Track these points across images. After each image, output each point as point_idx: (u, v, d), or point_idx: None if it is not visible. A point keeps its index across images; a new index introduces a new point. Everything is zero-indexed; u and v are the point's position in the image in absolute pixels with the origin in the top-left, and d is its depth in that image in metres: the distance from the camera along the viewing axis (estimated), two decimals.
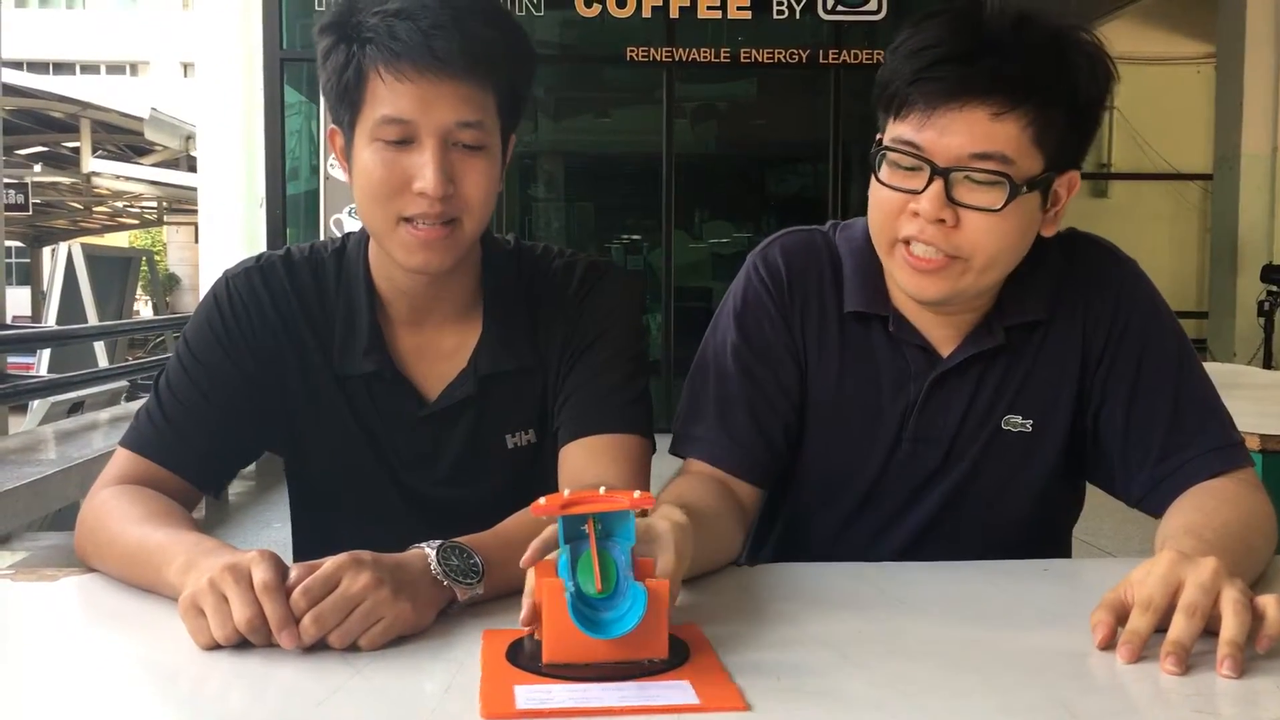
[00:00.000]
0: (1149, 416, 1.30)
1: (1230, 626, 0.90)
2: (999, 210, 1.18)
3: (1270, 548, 1.19)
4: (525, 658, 0.90)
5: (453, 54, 1.17)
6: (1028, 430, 1.33)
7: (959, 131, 1.17)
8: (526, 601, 0.92)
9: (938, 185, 1.18)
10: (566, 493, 0.89)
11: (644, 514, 0.99)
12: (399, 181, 1.20)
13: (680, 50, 8.15)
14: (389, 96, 1.19)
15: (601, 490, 0.91)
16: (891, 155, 1.22)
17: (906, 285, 1.26)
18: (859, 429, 1.36)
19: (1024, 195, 1.19)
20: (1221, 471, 1.26)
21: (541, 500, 0.89)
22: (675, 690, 0.85)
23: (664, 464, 1.37)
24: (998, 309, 1.32)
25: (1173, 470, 1.27)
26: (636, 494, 0.90)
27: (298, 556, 1.44)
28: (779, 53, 8.16)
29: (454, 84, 1.19)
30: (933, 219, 1.19)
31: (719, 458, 1.33)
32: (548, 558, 0.93)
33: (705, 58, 8.18)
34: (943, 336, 1.33)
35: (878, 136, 1.26)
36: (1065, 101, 1.19)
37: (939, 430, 1.34)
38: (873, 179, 1.25)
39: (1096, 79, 1.22)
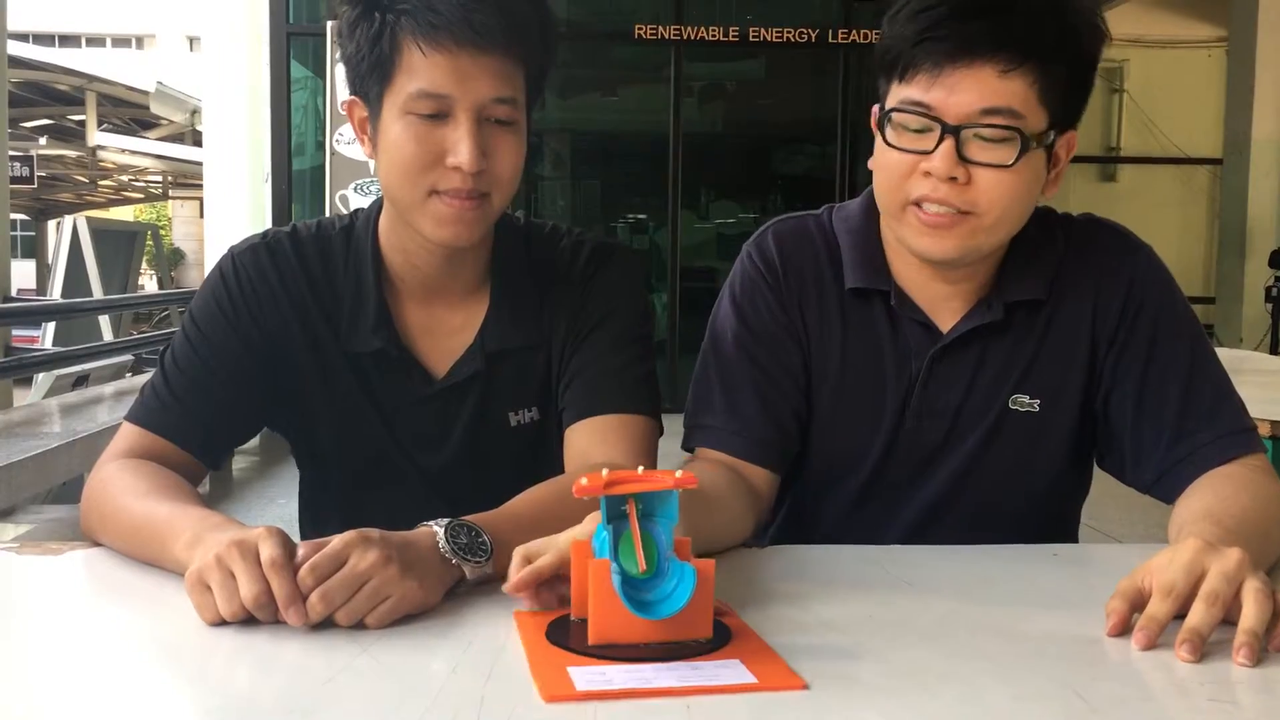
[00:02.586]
0: (1161, 400, 1.29)
1: (1250, 615, 0.89)
2: (1011, 166, 1.18)
3: None
4: (568, 639, 0.89)
5: (492, 28, 1.17)
6: (1035, 410, 1.33)
7: (968, 89, 1.17)
8: (520, 573, 0.93)
9: (949, 143, 1.18)
10: (605, 472, 0.88)
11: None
12: (432, 155, 1.20)
13: (688, 28, 8.12)
14: (425, 69, 1.18)
15: (640, 470, 0.89)
16: (899, 117, 1.22)
17: (917, 245, 1.25)
18: (864, 406, 1.35)
19: (1033, 151, 1.19)
20: (1235, 457, 1.25)
21: (583, 480, 0.88)
22: (730, 670, 0.84)
23: (671, 445, 1.36)
24: (998, 287, 1.32)
25: (1185, 455, 1.26)
26: (679, 473, 0.89)
27: (304, 535, 1.43)
28: (788, 31, 8.13)
29: (491, 59, 1.18)
30: (945, 177, 1.19)
31: (727, 443, 1.33)
32: (581, 537, 0.92)
33: (714, 36, 8.14)
34: (943, 311, 1.33)
35: (879, 103, 1.26)
36: (1068, 59, 1.20)
37: (942, 405, 1.34)
38: (879, 143, 1.25)
39: (1095, 37, 1.23)
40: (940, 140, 1.18)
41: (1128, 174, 11.06)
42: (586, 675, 0.83)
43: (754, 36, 8.19)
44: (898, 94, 1.22)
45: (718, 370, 1.37)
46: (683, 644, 0.88)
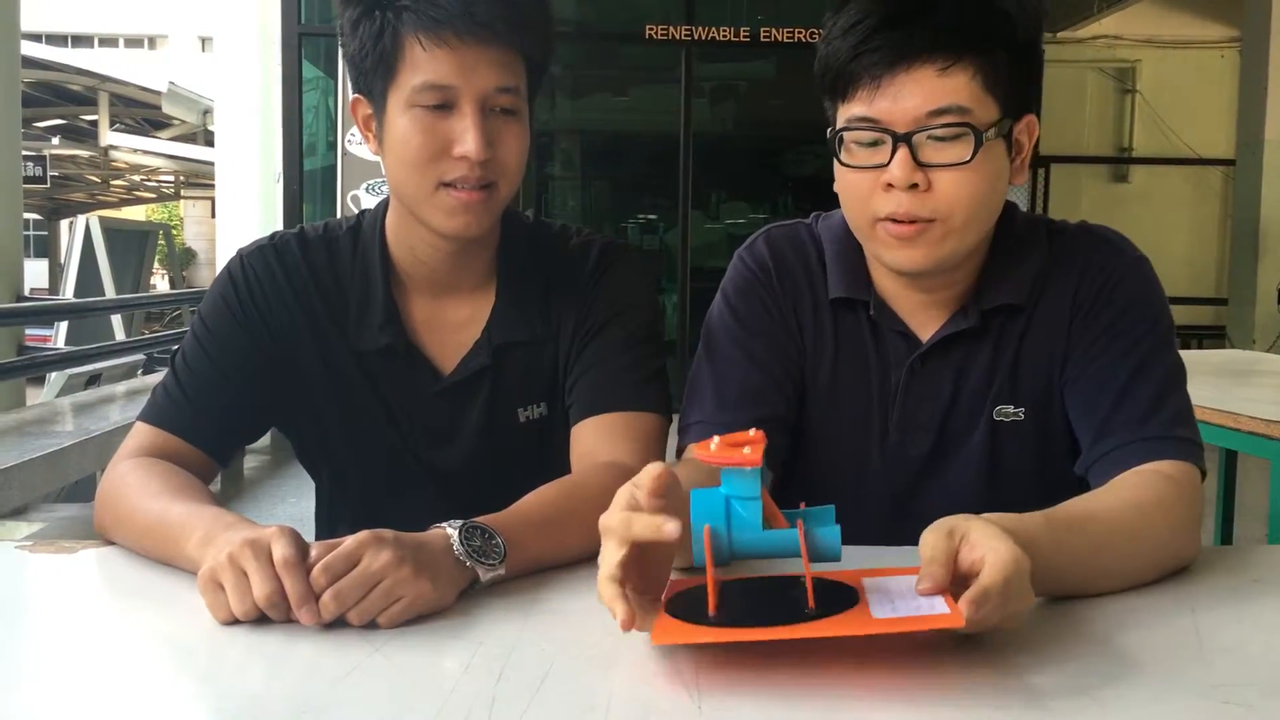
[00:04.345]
0: (1099, 391, 1.25)
1: (978, 599, 0.85)
2: (969, 162, 1.17)
3: (1159, 547, 1.10)
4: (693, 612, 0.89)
5: (493, 20, 1.18)
6: (1021, 419, 1.31)
7: (912, 94, 1.17)
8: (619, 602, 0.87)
9: (903, 151, 1.17)
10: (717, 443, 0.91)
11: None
12: (438, 147, 1.21)
13: (699, 29, 8.10)
14: (428, 63, 1.19)
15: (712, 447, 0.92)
16: (850, 135, 1.21)
17: (890, 259, 1.24)
18: (854, 418, 1.34)
19: (990, 143, 1.18)
20: (1152, 460, 1.19)
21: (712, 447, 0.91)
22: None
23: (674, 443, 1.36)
24: (976, 294, 1.30)
25: (1104, 453, 1.22)
26: (746, 450, 0.91)
27: (320, 539, 1.44)
28: (799, 32, 8.10)
29: (493, 49, 1.20)
30: (905, 185, 1.18)
31: (711, 434, 1.31)
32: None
33: (725, 36, 8.12)
34: (923, 321, 1.32)
35: (831, 126, 1.25)
36: (1005, 44, 1.19)
37: (925, 418, 1.32)
38: (836, 166, 1.24)
39: (1029, 17, 1.21)
40: (894, 150, 1.17)
41: (1140, 175, 11.03)
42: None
43: (765, 37, 8.17)
44: (844, 113, 1.22)
45: (710, 368, 1.34)
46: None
